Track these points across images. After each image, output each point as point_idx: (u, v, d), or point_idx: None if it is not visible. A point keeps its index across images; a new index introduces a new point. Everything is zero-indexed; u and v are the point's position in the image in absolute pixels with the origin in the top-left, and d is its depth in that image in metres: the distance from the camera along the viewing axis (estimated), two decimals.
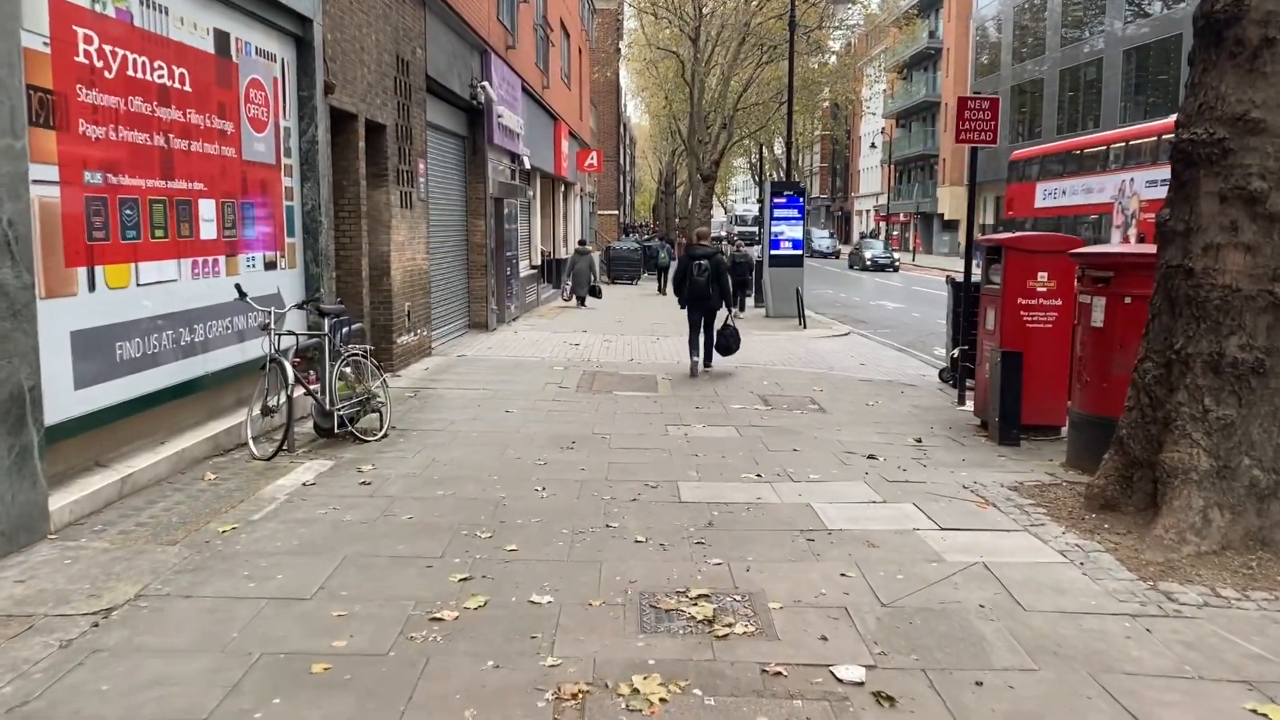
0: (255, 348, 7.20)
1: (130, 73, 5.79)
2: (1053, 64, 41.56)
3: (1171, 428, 5.09)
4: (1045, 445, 7.42)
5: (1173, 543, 4.77)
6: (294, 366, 6.63)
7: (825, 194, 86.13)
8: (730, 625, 3.81)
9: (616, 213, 48.35)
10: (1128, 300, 6.35)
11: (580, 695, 3.24)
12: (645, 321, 17.87)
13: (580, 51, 30.00)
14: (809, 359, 13.11)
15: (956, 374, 9.68)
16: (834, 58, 39.35)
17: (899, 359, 13.67)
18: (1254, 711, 3.23)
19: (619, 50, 42.74)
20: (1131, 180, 22.54)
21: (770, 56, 32.40)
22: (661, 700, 3.20)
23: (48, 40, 5.01)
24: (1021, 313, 7.75)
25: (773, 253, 19.74)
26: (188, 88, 6.46)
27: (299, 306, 7.60)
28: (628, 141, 61.02)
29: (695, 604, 4.03)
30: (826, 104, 48.53)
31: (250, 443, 6.51)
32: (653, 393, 9.78)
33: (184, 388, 6.46)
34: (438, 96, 12.98)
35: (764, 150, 49.99)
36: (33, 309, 4.73)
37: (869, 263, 43.77)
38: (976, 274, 9.05)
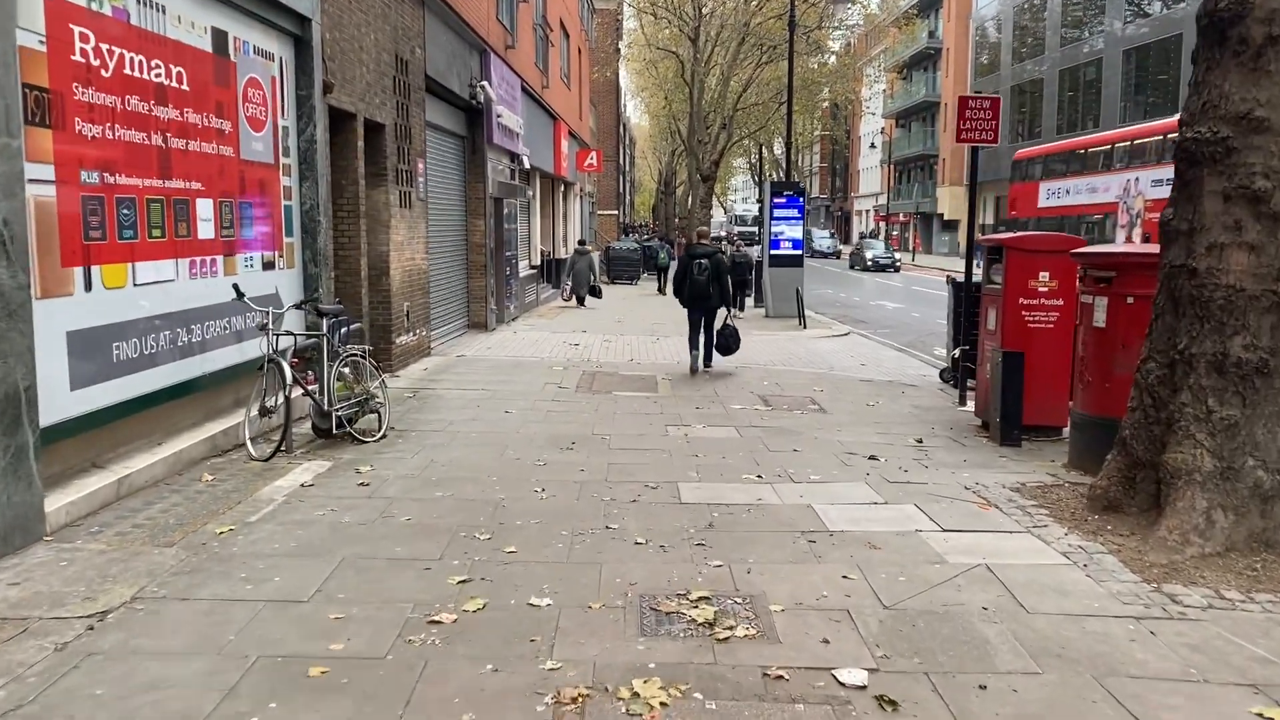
0: (253, 348, 7.16)
1: (127, 71, 5.76)
2: (1052, 64, 41.54)
3: (1175, 428, 5.06)
4: (1047, 446, 7.39)
5: (1176, 544, 4.74)
6: (292, 367, 6.59)
7: (825, 194, 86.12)
8: (731, 628, 3.78)
9: (616, 213, 48.34)
10: (1130, 300, 6.33)
11: (580, 699, 3.21)
12: (645, 321, 17.83)
13: (580, 51, 29.97)
14: (809, 359, 13.08)
15: (957, 374, 9.66)
16: (833, 58, 39.33)
17: (899, 359, 13.64)
18: (1260, 715, 3.20)
19: (618, 50, 42.72)
20: (1137, 179, 22.39)
21: (770, 56, 32.38)
22: (662, 704, 3.17)
23: (43, 38, 4.97)
24: (1023, 313, 7.72)
25: (772, 253, 19.72)
26: (185, 86, 6.42)
27: (297, 307, 7.57)
28: (627, 141, 61.01)
29: (696, 606, 3.99)
30: (826, 104, 48.50)
31: (248, 443, 6.47)
32: (652, 393, 9.75)
33: (181, 388, 6.42)
34: (437, 96, 12.94)
35: (764, 150, 49.95)
36: (28, 309, 4.69)
37: (870, 263, 43.68)
38: (977, 274, 9.02)
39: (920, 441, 7.56)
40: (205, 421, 6.74)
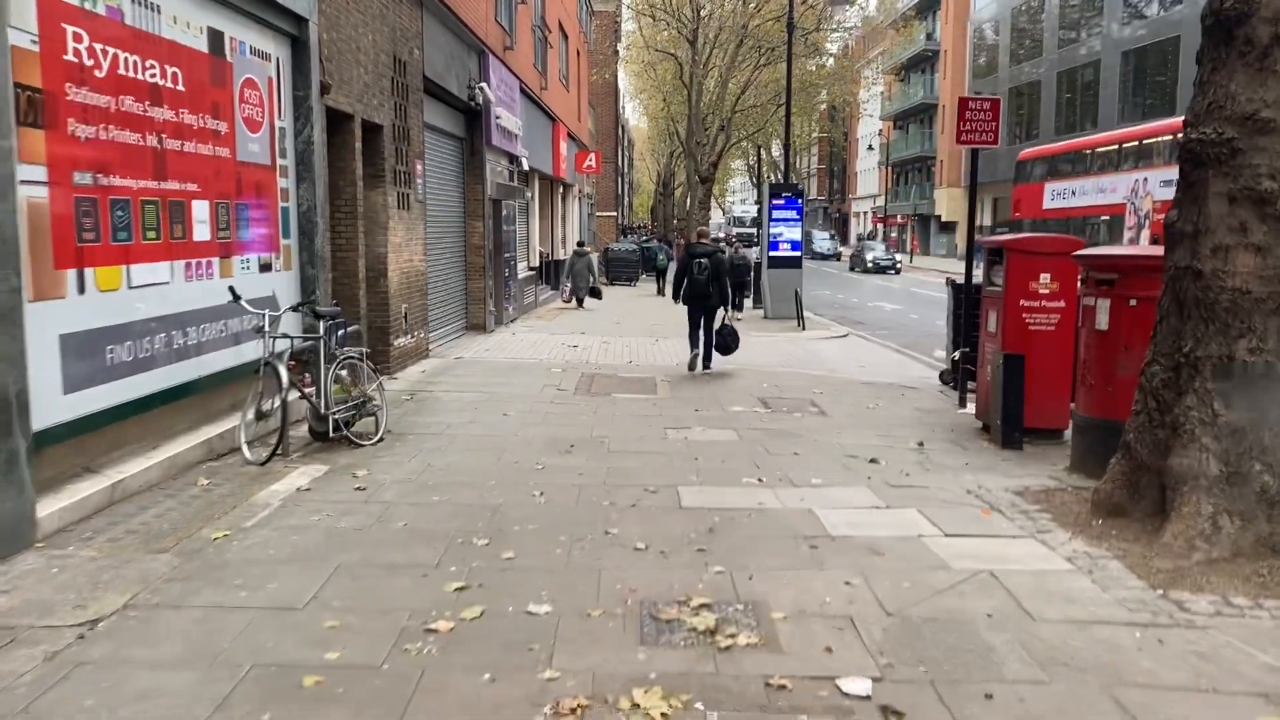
0: (250, 351, 7.11)
1: (121, 71, 5.70)
2: (1050, 66, 41.55)
3: (1180, 432, 5.00)
4: (1048, 449, 7.34)
5: (1182, 550, 4.69)
6: (289, 370, 6.53)
7: (822, 196, 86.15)
8: (733, 636, 3.72)
9: (615, 214, 48.29)
10: (1133, 303, 6.28)
11: (579, 710, 3.15)
12: (644, 323, 17.78)
13: (578, 53, 29.93)
14: (808, 361, 13.03)
15: (957, 376, 9.61)
16: (831, 60, 39.28)
17: (899, 361, 13.60)
18: None
19: (617, 52, 42.66)
20: (1145, 180, 22.12)
21: (768, 59, 32.32)
22: (663, 715, 3.11)
23: (36, 38, 4.91)
24: (1024, 315, 7.67)
25: (771, 254, 19.69)
26: (180, 87, 6.36)
27: (294, 309, 7.51)
28: (626, 143, 60.94)
29: (697, 614, 3.93)
30: (824, 106, 48.47)
31: (244, 447, 6.41)
32: (652, 395, 9.69)
33: (177, 391, 6.36)
34: (435, 97, 12.89)
35: (762, 152, 49.92)
36: (19, 312, 4.63)
37: (870, 264, 43.59)
38: (976, 276, 8.98)
39: (921, 444, 7.50)
40: (201, 425, 6.68)
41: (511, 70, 17.14)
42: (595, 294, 21.99)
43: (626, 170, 63.61)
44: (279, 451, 6.46)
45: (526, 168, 19.07)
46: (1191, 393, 4.99)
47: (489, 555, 4.65)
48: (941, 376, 10.84)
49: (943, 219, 55.10)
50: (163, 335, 6.20)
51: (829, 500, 5.76)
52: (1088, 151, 26.54)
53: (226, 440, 6.65)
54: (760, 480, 6.23)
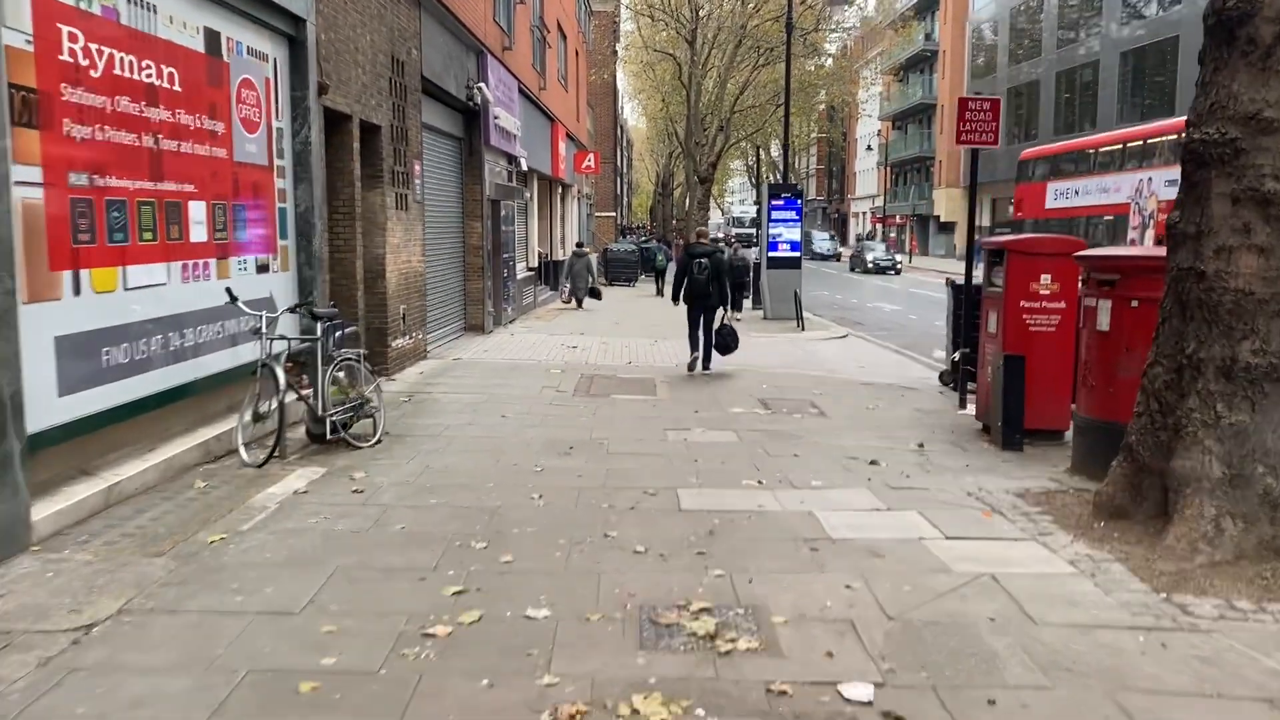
0: (247, 352, 7.07)
1: (117, 72, 5.66)
2: (1049, 66, 41.55)
3: (1182, 434, 4.98)
4: (1049, 450, 7.31)
5: (1185, 553, 4.66)
6: (286, 371, 6.50)
7: (821, 196, 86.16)
8: (733, 641, 3.69)
9: (614, 214, 48.27)
10: (1134, 304, 6.25)
11: (578, 716, 3.11)
12: (643, 324, 17.75)
13: (577, 53, 29.91)
14: (808, 361, 13.00)
15: (957, 377, 9.58)
16: (830, 60, 39.27)
17: (899, 362, 13.57)
18: None
19: (616, 52, 42.65)
20: (1149, 180, 21.90)
21: (767, 59, 32.28)
22: None
23: (31, 38, 4.88)
24: (1024, 316, 7.65)
25: (771, 254, 19.66)
26: (177, 87, 6.33)
27: (292, 310, 7.47)
28: (625, 143, 60.96)
29: (697, 618, 3.90)
30: (823, 106, 48.48)
31: (241, 449, 6.38)
32: (651, 396, 9.66)
33: (173, 393, 6.32)
34: (434, 98, 12.86)
35: (761, 152, 49.89)
36: (13, 314, 4.60)
37: (871, 265, 43.50)
38: (976, 276, 8.95)
39: (921, 446, 7.47)
40: (198, 427, 6.64)
41: (510, 70, 17.11)
42: (594, 294, 21.96)
43: (625, 170, 63.63)
44: (276, 454, 6.43)
45: (525, 168, 19.04)
46: (1194, 395, 4.96)
47: (487, 558, 4.61)
48: (941, 377, 10.82)
49: (941, 219, 55.08)
50: (159, 337, 6.16)
51: (829, 502, 5.73)
52: (1091, 151, 26.36)
53: (223, 442, 6.61)
54: (760, 482, 6.20)
